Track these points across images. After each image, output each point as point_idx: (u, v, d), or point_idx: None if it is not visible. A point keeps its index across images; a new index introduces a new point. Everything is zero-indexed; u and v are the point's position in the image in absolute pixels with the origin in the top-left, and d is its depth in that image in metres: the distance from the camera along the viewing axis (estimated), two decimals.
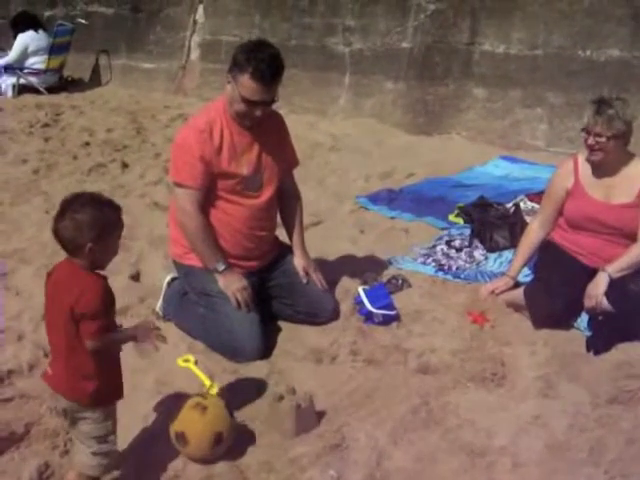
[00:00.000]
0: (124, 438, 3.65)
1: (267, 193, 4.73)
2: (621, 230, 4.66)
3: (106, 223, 3.11)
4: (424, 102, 9.62)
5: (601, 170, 4.73)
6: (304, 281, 4.83)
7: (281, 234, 5.07)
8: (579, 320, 4.70)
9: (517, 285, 5.02)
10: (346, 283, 5.26)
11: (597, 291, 4.48)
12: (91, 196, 3.18)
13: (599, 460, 3.45)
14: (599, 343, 4.42)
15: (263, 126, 4.60)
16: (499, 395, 4.02)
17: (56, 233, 3.10)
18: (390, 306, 4.82)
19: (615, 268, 4.53)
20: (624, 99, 4.68)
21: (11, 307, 4.97)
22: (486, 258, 5.74)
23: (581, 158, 4.82)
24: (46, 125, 10.27)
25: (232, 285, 4.55)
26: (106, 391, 3.21)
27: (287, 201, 4.98)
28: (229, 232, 4.64)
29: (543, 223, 5.02)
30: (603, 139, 4.55)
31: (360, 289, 4.96)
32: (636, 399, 3.94)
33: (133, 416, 3.83)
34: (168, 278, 4.97)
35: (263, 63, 4.30)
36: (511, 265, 5.16)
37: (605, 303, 4.45)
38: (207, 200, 4.55)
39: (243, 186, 4.60)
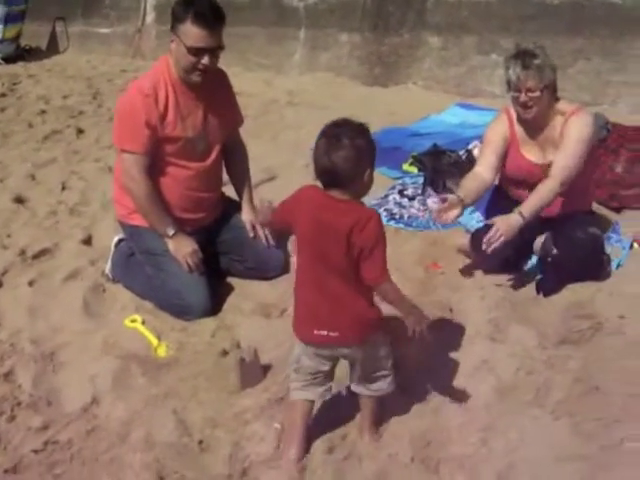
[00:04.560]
0: (71, 398, 3.68)
1: (213, 155, 4.67)
2: None
3: (375, 148, 3.06)
4: (379, 53, 9.60)
5: (535, 124, 4.55)
6: (251, 235, 4.78)
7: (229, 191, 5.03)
8: (529, 263, 4.70)
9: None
10: None
11: (505, 228, 4.26)
12: (356, 122, 3.05)
13: (545, 401, 3.50)
14: (549, 285, 4.43)
15: (208, 85, 4.51)
16: (448, 340, 4.01)
17: (333, 166, 2.94)
18: None
19: (528, 210, 4.32)
20: (542, 46, 4.45)
21: None
22: None
23: (514, 113, 4.63)
24: (2, 95, 10.27)
25: (183, 249, 4.50)
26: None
27: (233, 156, 4.91)
28: (176, 195, 4.57)
29: (486, 169, 4.72)
30: (537, 93, 4.35)
31: None
32: (585, 339, 3.99)
33: (80, 377, 3.82)
34: (115, 239, 4.91)
35: (202, 6, 4.23)
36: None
37: (554, 251, 4.41)
38: (153, 164, 4.47)
39: (188, 148, 4.53)
